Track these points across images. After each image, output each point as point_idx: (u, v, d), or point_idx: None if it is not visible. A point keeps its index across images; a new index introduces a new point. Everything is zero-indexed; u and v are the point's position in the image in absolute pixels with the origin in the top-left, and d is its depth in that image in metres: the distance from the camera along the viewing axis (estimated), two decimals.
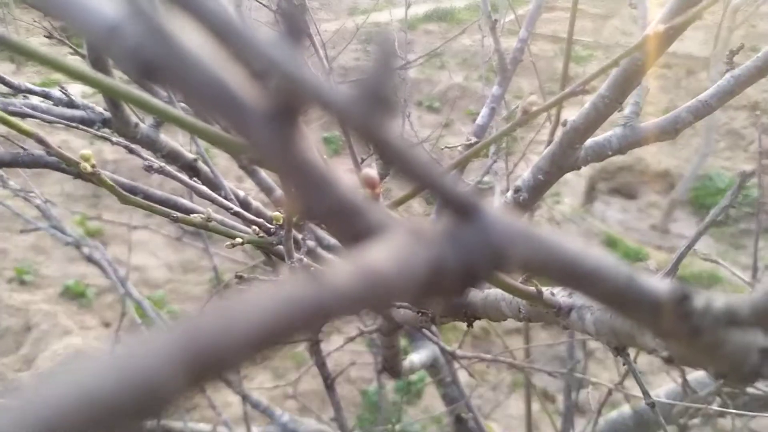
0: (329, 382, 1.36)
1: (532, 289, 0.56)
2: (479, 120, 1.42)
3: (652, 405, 0.53)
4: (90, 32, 0.19)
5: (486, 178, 4.04)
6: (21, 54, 0.36)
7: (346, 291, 0.18)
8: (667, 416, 1.57)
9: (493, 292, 0.73)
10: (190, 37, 0.18)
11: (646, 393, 0.52)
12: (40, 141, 0.66)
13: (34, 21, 1.52)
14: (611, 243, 4.69)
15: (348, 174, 0.23)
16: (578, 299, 0.57)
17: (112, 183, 0.69)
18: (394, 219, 0.22)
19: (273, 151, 0.20)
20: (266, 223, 0.74)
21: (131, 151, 0.75)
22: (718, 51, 4.45)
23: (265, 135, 0.19)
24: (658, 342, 0.45)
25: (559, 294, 0.59)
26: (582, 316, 0.56)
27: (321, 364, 1.33)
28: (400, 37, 2.42)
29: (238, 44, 0.18)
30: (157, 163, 0.77)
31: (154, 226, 3.29)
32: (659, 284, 0.28)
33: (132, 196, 0.71)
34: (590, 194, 5.63)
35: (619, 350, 0.53)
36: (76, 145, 5.14)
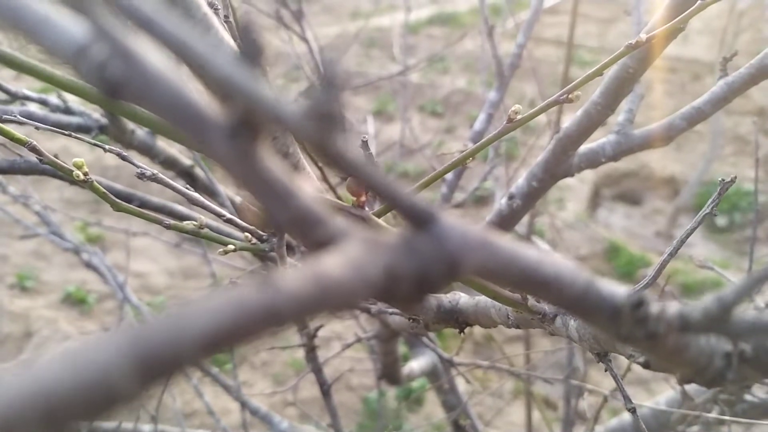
0: (325, 389, 1.36)
1: (517, 296, 0.57)
2: (476, 126, 1.43)
3: (632, 411, 0.54)
4: (59, 52, 0.20)
5: (488, 184, 4.05)
6: (11, 67, 0.37)
7: (299, 295, 0.19)
8: (666, 423, 1.57)
9: (483, 299, 0.73)
10: (154, 57, 0.19)
11: (627, 398, 0.53)
12: (33, 149, 0.67)
13: None
14: (615, 249, 4.68)
15: (309, 185, 0.24)
16: None
17: (104, 190, 0.70)
18: (353, 227, 0.23)
19: (234, 164, 0.21)
20: (258, 230, 0.75)
21: (123, 158, 0.76)
22: (723, 55, 4.45)
23: (226, 149, 0.21)
24: (635, 348, 0.46)
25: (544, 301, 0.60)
26: (566, 323, 0.57)
27: (317, 371, 1.34)
28: (402, 42, 2.45)
29: (197, 64, 0.19)
30: (150, 170, 0.78)
31: (154, 232, 3.30)
32: (617, 290, 0.28)
33: (124, 204, 0.72)
34: (594, 200, 5.63)
35: (601, 356, 0.54)
36: (77, 150, 5.16)
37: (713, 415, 1.35)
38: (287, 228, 0.23)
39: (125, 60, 0.19)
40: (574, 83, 0.57)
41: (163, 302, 4.06)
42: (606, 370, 0.53)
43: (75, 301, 4.04)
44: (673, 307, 0.28)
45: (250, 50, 0.19)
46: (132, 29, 0.19)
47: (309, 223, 0.23)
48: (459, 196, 1.76)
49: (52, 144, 4.80)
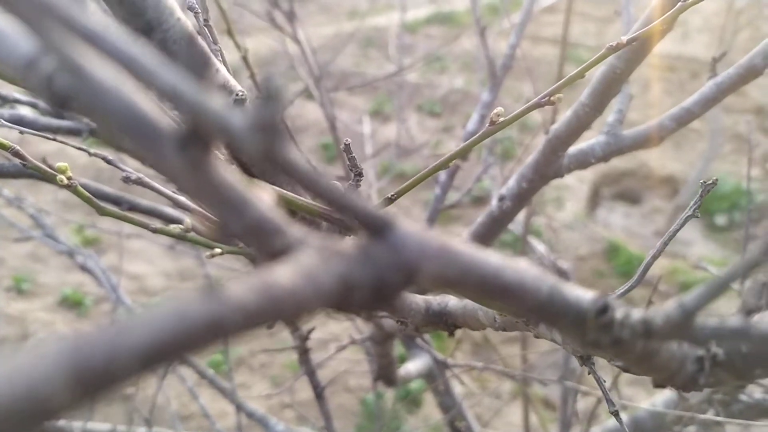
0: (319, 391, 1.37)
1: None
2: (469, 126, 1.43)
3: (615, 414, 0.54)
4: (9, 64, 0.20)
5: (486, 183, 4.04)
6: None
7: (244, 306, 0.19)
8: (662, 424, 1.57)
9: (471, 302, 0.74)
10: (102, 69, 0.19)
11: (609, 401, 0.53)
12: (17, 154, 0.67)
13: None
14: (614, 249, 4.68)
15: (267, 193, 0.24)
16: None
17: (88, 195, 0.70)
18: (309, 236, 0.23)
19: (185, 175, 0.21)
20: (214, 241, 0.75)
21: (109, 162, 0.76)
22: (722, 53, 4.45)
23: (176, 159, 0.21)
24: (602, 354, 0.46)
25: None
26: (551, 327, 0.57)
27: (311, 373, 1.34)
28: (398, 42, 2.45)
29: (142, 77, 0.19)
30: (136, 174, 0.78)
31: (149, 234, 3.29)
32: (582, 296, 0.28)
33: (108, 208, 0.72)
34: (593, 199, 5.62)
35: (584, 359, 0.54)
36: (73, 153, 5.11)
37: (709, 416, 1.35)
38: (242, 238, 0.23)
39: (73, 73, 0.19)
40: (555, 86, 0.57)
41: (160, 303, 4.05)
42: (589, 373, 0.53)
43: (72, 304, 4.04)
44: (636, 314, 0.28)
45: (196, 62, 0.19)
46: (79, 43, 0.19)
47: (265, 232, 0.23)
48: (455, 196, 1.76)
49: (48, 146, 4.78)
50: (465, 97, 6.82)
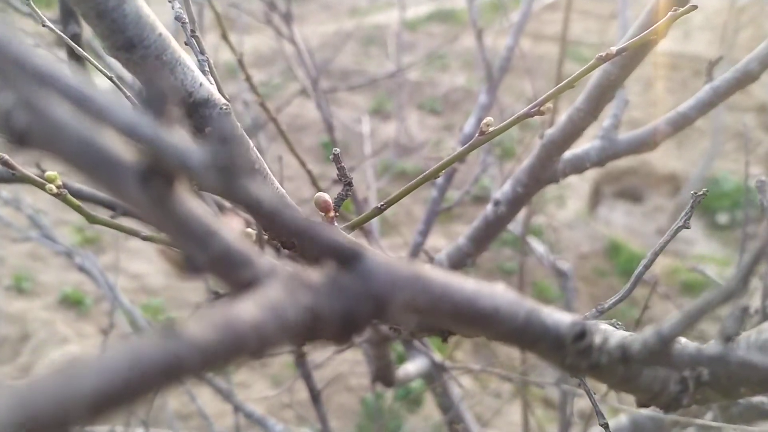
0: (315, 394, 1.37)
1: None
2: (466, 129, 1.42)
3: (605, 426, 0.54)
4: None
5: (486, 182, 4.03)
6: None
7: (204, 344, 0.19)
8: (661, 426, 1.57)
9: None
10: (60, 106, 0.19)
11: (599, 414, 0.53)
12: (5, 163, 0.67)
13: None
14: (616, 248, 4.67)
15: (236, 223, 0.23)
16: None
17: (78, 203, 0.70)
18: (278, 267, 0.23)
19: (148, 208, 0.21)
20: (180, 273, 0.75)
21: None
22: (724, 52, 4.44)
23: (140, 194, 0.20)
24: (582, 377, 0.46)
25: None
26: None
27: (307, 377, 1.34)
28: (397, 41, 2.45)
29: (98, 115, 0.19)
30: None
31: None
32: (560, 321, 0.28)
33: (99, 216, 0.72)
34: (595, 198, 5.61)
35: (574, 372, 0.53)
36: None
37: (706, 419, 1.35)
38: (209, 270, 0.22)
39: (30, 109, 0.19)
40: (545, 95, 0.56)
41: (160, 303, 4.07)
42: (579, 386, 0.52)
43: (72, 303, 4.04)
44: (614, 339, 0.28)
45: (155, 99, 0.19)
46: (36, 82, 0.19)
47: (231, 264, 0.22)
48: (455, 195, 1.76)
49: None
50: (466, 95, 6.81)
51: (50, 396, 0.16)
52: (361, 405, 3.41)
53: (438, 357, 1.53)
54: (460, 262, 1.20)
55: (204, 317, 0.20)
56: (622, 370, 0.30)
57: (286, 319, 0.21)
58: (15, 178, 1.18)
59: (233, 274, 0.23)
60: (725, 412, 1.40)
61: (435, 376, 1.88)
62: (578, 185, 5.40)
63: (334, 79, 7.66)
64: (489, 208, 1.07)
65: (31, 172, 0.76)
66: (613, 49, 0.54)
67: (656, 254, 0.52)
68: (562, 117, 0.96)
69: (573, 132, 0.94)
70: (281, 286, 0.22)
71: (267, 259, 0.23)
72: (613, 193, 5.75)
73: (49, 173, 0.66)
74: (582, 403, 2.63)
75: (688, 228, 0.52)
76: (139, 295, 4.07)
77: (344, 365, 3.25)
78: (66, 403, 0.16)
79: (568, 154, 1.00)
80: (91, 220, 0.68)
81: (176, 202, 0.21)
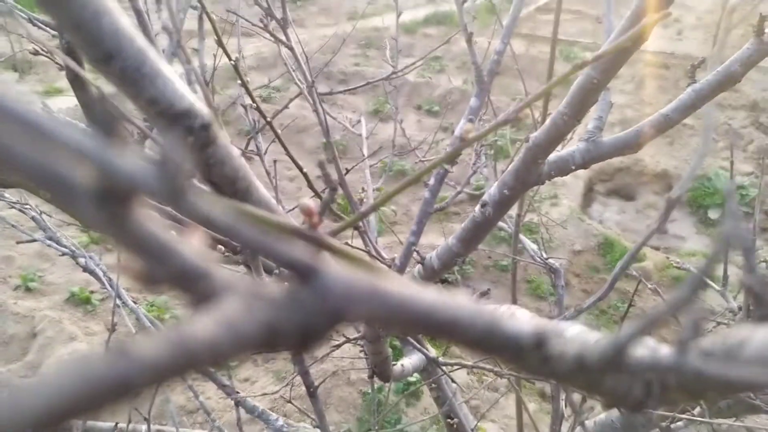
0: (312, 391, 1.38)
1: None
2: (457, 132, 1.43)
3: (581, 424, 0.54)
4: None
5: (483, 182, 4.04)
6: None
7: (155, 362, 0.19)
8: (651, 419, 1.58)
9: None
10: (8, 129, 0.20)
11: (577, 413, 0.54)
12: None
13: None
14: (609, 244, 4.69)
15: (196, 239, 0.24)
16: None
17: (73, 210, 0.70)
18: (236, 281, 0.24)
19: (105, 226, 0.21)
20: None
21: None
22: (716, 51, 4.46)
23: (95, 213, 0.21)
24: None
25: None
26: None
27: (304, 373, 1.35)
28: (394, 44, 2.45)
29: (44, 138, 0.19)
30: None
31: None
32: (521, 330, 0.29)
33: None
34: (588, 196, 5.64)
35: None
36: None
37: (695, 413, 1.36)
38: (168, 284, 0.23)
39: None
40: (524, 101, 0.57)
41: (166, 301, 4.10)
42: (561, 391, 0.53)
43: (79, 302, 4.08)
44: (573, 347, 0.29)
45: (103, 119, 0.20)
46: None
47: (189, 278, 0.23)
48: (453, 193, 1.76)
49: None
50: (463, 97, 6.86)
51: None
52: (362, 399, 3.44)
53: (433, 352, 1.54)
54: (449, 261, 1.21)
55: (158, 335, 0.20)
56: (583, 377, 0.31)
57: (242, 334, 0.22)
58: (15, 183, 1.20)
59: (191, 289, 0.23)
60: (713, 406, 1.41)
61: (430, 370, 1.89)
62: (572, 184, 5.43)
63: (333, 80, 7.71)
64: (477, 209, 1.08)
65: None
66: (590, 55, 0.55)
67: (632, 256, 0.53)
68: (546, 121, 0.97)
69: (557, 135, 0.95)
70: (238, 300, 0.23)
71: (225, 273, 0.24)
72: (606, 191, 5.78)
73: None
74: (577, 396, 2.65)
75: (665, 233, 0.53)
76: (144, 293, 4.11)
77: (345, 360, 3.27)
78: (13, 422, 0.16)
79: (553, 156, 1.00)
80: (87, 225, 0.69)
81: (131, 220, 0.22)
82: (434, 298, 0.27)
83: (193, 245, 0.23)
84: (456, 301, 0.27)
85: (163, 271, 0.23)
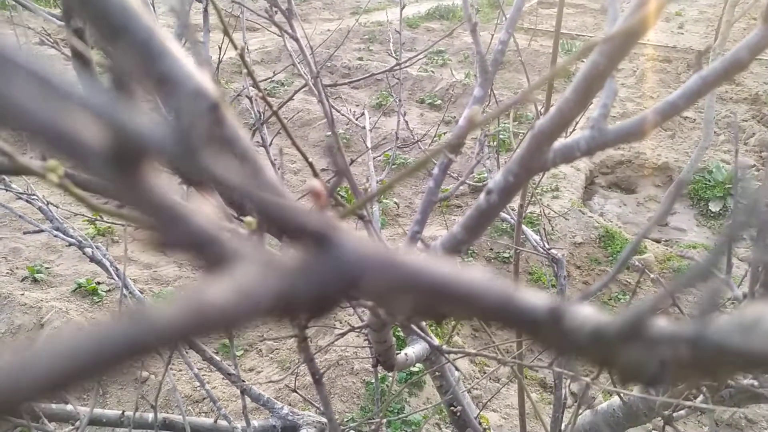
0: (317, 378, 1.37)
1: None
2: (461, 122, 1.42)
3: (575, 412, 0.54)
4: None
5: (486, 174, 4.04)
6: None
7: (169, 326, 0.19)
8: (653, 408, 1.58)
9: None
10: (23, 84, 0.19)
11: (566, 396, 0.53)
12: (4, 153, 0.67)
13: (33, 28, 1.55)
14: (609, 237, 4.70)
15: (207, 205, 0.24)
16: None
17: (80, 193, 0.70)
18: (250, 249, 0.23)
19: (118, 189, 0.21)
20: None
21: None
22: (717, 44, 4.45)
23: (107, 175, 0.21)
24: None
25: None
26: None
27: (309, 360, 1.35)
28: (397, 37, 2.45)
29: (58, 96, 0.19)
30: None
31: None
32: (537, 303, 0.28)
33: (102, 206, 0.72)
34: (589, 188, 5.64)
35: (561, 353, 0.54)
36: None
37: (697, 404, 1.36)
38: (181, 250, 0.23)
39: None
40: (532, 85, 0.56)
41: (172, 293, 4.12)
42: (569, 378, 0.53)
43: (86, 293, 4.10)
44: (591, 320, 0.28)
45: (117, 77, 0.19)
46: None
47: (201, 245, 0.23)
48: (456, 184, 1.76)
49: None
50: (465, 90, 6.88)
51: (10, 374, 0.16)
52: (365, 388, 3.46)
53: (436, 341, 1.54)
54: (454, 249, 1.20)
55: (173, 300, 0.20)
56: (599, 351, 0.30)
57: (256, 300, 0.21)
58: (15, 168, 1.19)
59: (203, 254, 0.23)
60: (715, 395, 1.41)
61: (434, 359, 1.89)
62: (573, 176, 5.43)
63: (337, 75, 7.74)
64: (482, 197, 1.07)
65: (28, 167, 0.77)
66: (597, 37, 0.54)
67: (631, 253, 0.53)
68: (552, 109, 0.96)
69: (562, 122, 0.94)
70: (252, 267, 0.22)
71: (237, 240, 0.23)
72: (607, 184, 5.78)
73: (50, 163, 0.66)
74: (576, 386, 2.66)
75: (665, 225, 0.52)
76: (151, 284, 4.13)
77: (348, 350, 3.29)
78: (26, 379, 0.16)
79: (557, 143, 0.99)
80: (95, 209, 0.68)
81: (144, 182, 0.21)
82: (449, 269, 0.26)
83: (205, 211, 0.23)
84: (470, 273, 0.27)
85: (174, 236, 0.22)
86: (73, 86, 0.19)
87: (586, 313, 0.31)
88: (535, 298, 0.29)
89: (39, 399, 0.16)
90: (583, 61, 0.83)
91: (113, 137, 0.19)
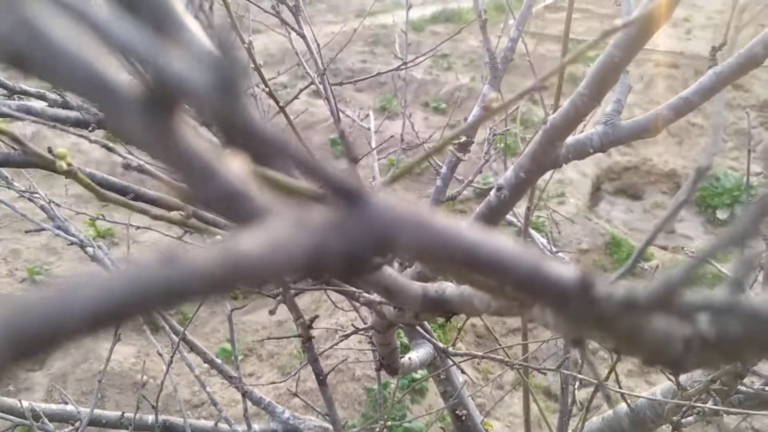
0: (321, 379, 1.37)
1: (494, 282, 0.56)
2: (470, 119, 1.42)
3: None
4: None
5: (491, 179, 4.03)
6: None
7: (203, 271, 0.18)
8: (661, 414, 1.57)
9: (467, 288, 0.73)
10: (60, 29, 0.19)
11: (603, 386, 0.53)
12: (15, 139, 0.67)
13: None
14: (616, 243, 4.68)
15: (237, 162, 0.23)
16: None
17: (88, 181, 0.70)
18: (281, 205, 0.23)
19: (150, 138, 0.20)
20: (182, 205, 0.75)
21: (110, 149, 0.76)
22: (725, 50, 4.46)
23: (141, 123, 0.20)
24: (589, 333, 0.45)
25: None
26: (543, 309, 0.57)
27: (314, 361, 1.34)
28: (403, 36, 2.45)
29: (96, 33, 0.18)
30: (136, 161, 0.78)
31: (163, 228, 3.32)
32: (565, 272, 0.28)
33: (110, 193, 0.72)
34: (596, 195, 5.62)
35: (576, 342, 0.53)
36: (87, 147, 5.20)
37: (708, 405, 1.34)
38: (211, 204, 0.22)
39: (28, 31, 0.19)
40: (549, 72, 0.56)
41: None
42: (581, 359, 0.52)
43: None
44: (621, 289, 0.28)
45: (157, 21, 0.19)
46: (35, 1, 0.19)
47: (233, 199, 0.22)
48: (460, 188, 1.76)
49: (62, 141, 4.86)
50: (470, 94, 6.87)
51: (46, 310, 0.16)
52: (366, 395, 3.44)
53: (441, 344, 1.53)
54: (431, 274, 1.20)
55: (207, 249, 0.19)
56: (627, 323, 0.30)
57: (289, 255, 0.21)
58: (28, 161, 1.19)
59: (234, 210, 0.22)
60: (725, 401, 1.40)
61: (438, 364, 1.88)
62: (579, 182, 5.42)
63: (341, 77, 7.74)
64: (492, 193, 1.07)
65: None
66: (619, 22, 0.54)
67: (659, 228, 0.52)
68: (565, 103, 0.96)
69: (575, 117, 0.93)
70: (285, 223, 0.22)
71: (269, 197, 0.23)
72: (613, 190, 5.77)
73: (60, 150, 0.66)
74: (581, 395, 2.64)
75: (689, 202, 0.52)
76: None
77: (350, 357, 3.28)
78: (60, 322, 0.16)
79: (570, 139, 0.99)
80: (101, 197, 0.68)
81: (177, 134, 0.21)
82: (479, 235, 0.26)
83: (236, 166, 0.23)
84: (501, 240, 0.27)
85: (204, 190, 0.22)
86: (109, 23, 0.18)
87: (614, 285, 0.30)
88: (564, 268, 0.28)
89: (78, 336, 0.16)
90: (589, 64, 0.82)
91: (150, 80, 0.19)
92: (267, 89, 1.25)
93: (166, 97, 0.20)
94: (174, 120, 0.20)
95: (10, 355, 0.15)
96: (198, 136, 0.21)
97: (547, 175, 2.17)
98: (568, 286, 0.28)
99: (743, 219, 0.25)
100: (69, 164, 0.70)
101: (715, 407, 1.22)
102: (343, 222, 0.23)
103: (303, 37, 1.71)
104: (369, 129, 2.09)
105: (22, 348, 0.15)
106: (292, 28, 1.70)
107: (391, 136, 2.03)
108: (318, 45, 1.74)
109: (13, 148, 1.23)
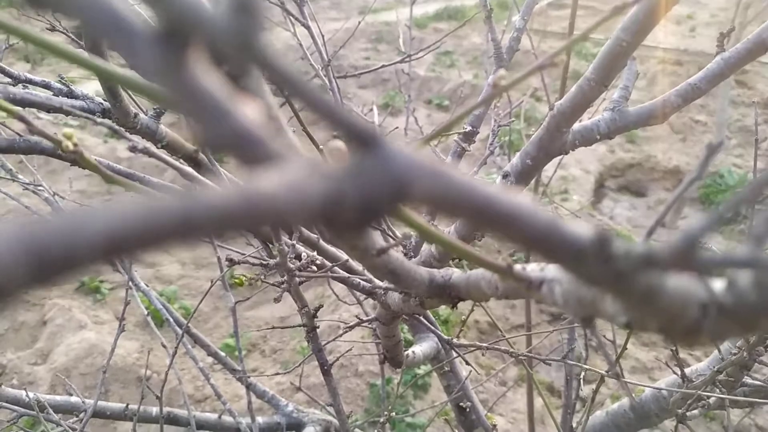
0: (326, 369, 1.36)
1: (502, 263, 0.56)
2: (486, 88, 1.42)
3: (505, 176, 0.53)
4: None
5: (494, 175, 4.02)
6: (19, 36, 0.36)
7: (220, 207, 0.18)
8: (666, 406, 1.56)
9: (474, 273, 0.73)
10: None
11: (612, 364, 0.52)
12: (22, 119, 0.66)
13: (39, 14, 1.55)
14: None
15: (250, 103, 0.23)
16: (549, 273, 0.57)
17: (95, 163, 0.69)
18: (296, 150, 0.22)
19: (163, 76, 0.20)
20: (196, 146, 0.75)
21: (115, 131, 0.76)
22: (729, 47, 4.45)
23: (154, 60, 0.20)
24: (616, 309, 0.45)
25: (530, 269, 0.59)
26: (552, 289, 0.56)
27: (318, 351, 1.34)
28: (407, 31, 2.45)
29: None
30: (142, 144, 0.77)
31: None
32: (581, 230, 0.28)
33: (116, 176, 0.72)
34: (599, 191, 5.61)
35: (586, 321, 0.53)
36: (90, 143, 5.21)
37: (713, 395, 1.34)
38: (224, 147, 0.22)
39: None
40: (558, 49, 0.56)
41: (175, 292, 4.12)
42: (590, 337, 0.52)
43: (89, 291, 4.13)
44: (640, 247, 0.27)
45: None
46: None
47: (247, 142, 0.22)
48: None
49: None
50: (473, 91, 6.86)
51: (61, 235, 0.15)
52: (369, 390, 3.44)
53: (445, 336, 1.53)
54: (469, 234, 1.19)
55: (224, 188, 0.19)
56: (644, 282, 0.29)
57: (306, 197, 0.21)
58: (33, 147, 1.18)
59: (248, 153, 0.22)
60: (730, 393, 1.39)
61: (442, 358, 1.88)
62: (582, 179, 5.41)
63: (344, 74, 7.72)
64: (498, 180, 1.06)
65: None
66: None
67: (664, 215, 0.52)
68: (572, 88, 0.95)
69: (583, 102, 0.93)
70: (302, 168, 0.21)
71: (284, 141, 0.23)
72: (617, 187, 5.75)
73: (66, 131, 0.65)
74: (584, 391, 2.64)
75: (700, 179, 0.51)
76: (154, 283, 4.15)
77: (353, 350, 3.28)
78: (77, 242, 0.15)
79: (577, 125, 0.99)
80: (108, 179, 0.68)
81: (191, 73, 0.20)
82: (495, 190, 0.25)
83: (250, 109, 0.22)
84: (518, 197, 0.26)
85: (218, 132, 0.21)
86: None
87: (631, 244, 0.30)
88: (580, 227, 0.28)
89: (92, 261, 0.15)
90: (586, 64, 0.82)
91: (163, 17, 0.19)
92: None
93: (181, 31, 0.19)
94: (188, 56, 0.20)
95: (28, 276, 0.15)
96: (212, 75, 0.21)
97: (550, 171, 2.17)
98: (584, 243, 0.27)
99: (755, 181, 0.25)
100: (75, 144, 0.69)
101: (721, 395, 1.22)
102: (359, 167, 0.22)
103: (308, 28, 1.71)
104: (373, 123, 2.08)
105: (40, 269, 0.15)
106: (297, 20, 1.69)
107: (396, 128, 2.02)
108: (323, 37, 1.74)
109: (19, 134, 1.23)
